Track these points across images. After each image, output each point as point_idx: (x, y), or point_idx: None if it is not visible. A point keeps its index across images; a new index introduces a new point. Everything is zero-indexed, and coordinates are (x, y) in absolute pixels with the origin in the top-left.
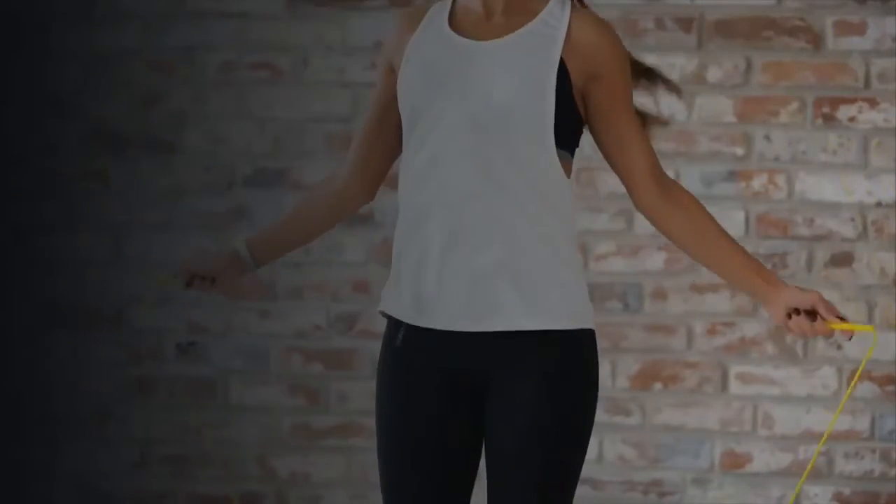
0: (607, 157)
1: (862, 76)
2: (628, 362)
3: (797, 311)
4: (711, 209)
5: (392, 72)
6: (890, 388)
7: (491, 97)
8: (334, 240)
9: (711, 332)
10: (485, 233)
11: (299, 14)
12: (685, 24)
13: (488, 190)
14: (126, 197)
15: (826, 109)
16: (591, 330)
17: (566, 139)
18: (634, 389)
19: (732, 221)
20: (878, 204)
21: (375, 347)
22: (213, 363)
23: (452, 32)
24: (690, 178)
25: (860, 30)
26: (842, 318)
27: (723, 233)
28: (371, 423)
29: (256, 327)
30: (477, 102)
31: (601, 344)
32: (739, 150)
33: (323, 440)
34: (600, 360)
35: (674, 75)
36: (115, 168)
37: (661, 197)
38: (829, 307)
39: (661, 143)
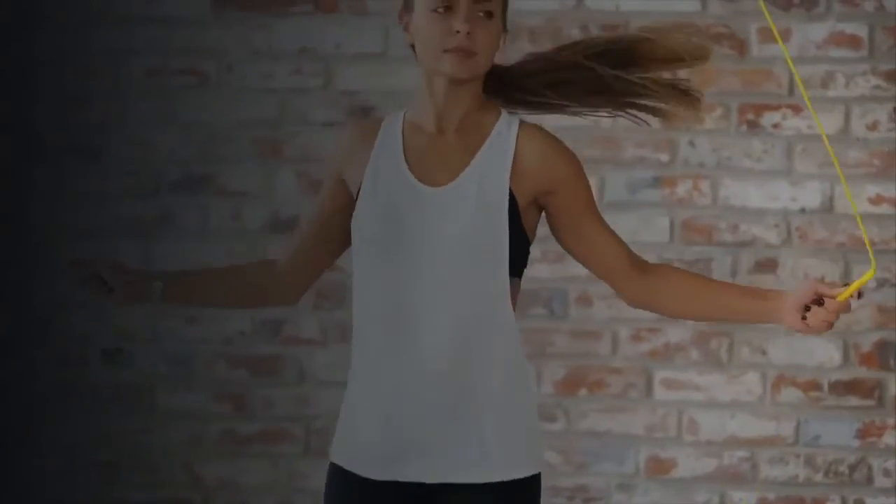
0: (582, 262)
1: (786, 83)
2: (553, 368)
3: (807, 308)
4: (636, 215)
5: (342, 183)
6: (814, 393)
7: (447, 246)
8: (259, 246)
9: (636, 337)
10: (439, 380)
11: (225, 19)
12: (610, 30)
13: (445, 339)
14: (51, 202)
15: (750, 116)
16: (537, 475)
17: (516, 265)
18: (559, 395)
19: (657, 227)
20: (802, 210)
21: (300, 353)
22: (139, 369)
23: (409, 173)
24: (615, 185)
25: (784, 36)
26: (845, 285)
27: (709, 283)
28: (296, 429)
29: (182, 333)
30: (433, 250)
31: (526, 349)
32: (664, 157)
33: (249, 446)
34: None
35: None
36: (40, 173)
37: (643, 284)
38: (830, 287)
39: (586, 149)
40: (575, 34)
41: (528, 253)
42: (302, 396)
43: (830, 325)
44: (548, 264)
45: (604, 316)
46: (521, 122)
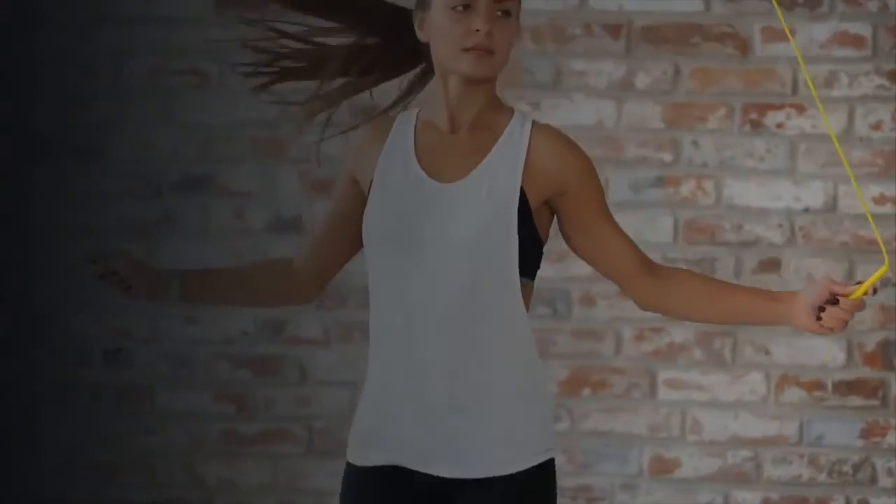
0: (592, 264)
1: (789, 82)
2: (557, 368)
3: (822, 308)
4: (639, 215)
5: (355, 183)
6: (818, 393)
7: (457, 245)
8: (262, 246)
9: (639, 337)
10: (451, 379)
11: (226, 19)
12: (613, 30)
13: (454, 336)
14: (51, 202)
15: (754, 115)
16: (552, 459)
17: (528, 266)
18: (563, 395)
19: (660, 227)
20: (806, 210)
21: (302, 353)
22: (140, 369)
23: (419, 170)
24: (619, 184)
25: (787, 36)
26: (858, 283)
27: (721, 286)
28: (298, 429)
29: (183, 333)
30: (443, 249)
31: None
32: (667, 156)
33: (250, 447)
34: None
35: (602, 82)
36: (40, 173)
37: (655, 287)
38: (844, 285)
39: (589, 149)
40: (578, 34)
41: (541, 254)
42: (304, 396)
43: (845, 324)
44: (550, 264)
45: (607, 316)
46: (534, 122)
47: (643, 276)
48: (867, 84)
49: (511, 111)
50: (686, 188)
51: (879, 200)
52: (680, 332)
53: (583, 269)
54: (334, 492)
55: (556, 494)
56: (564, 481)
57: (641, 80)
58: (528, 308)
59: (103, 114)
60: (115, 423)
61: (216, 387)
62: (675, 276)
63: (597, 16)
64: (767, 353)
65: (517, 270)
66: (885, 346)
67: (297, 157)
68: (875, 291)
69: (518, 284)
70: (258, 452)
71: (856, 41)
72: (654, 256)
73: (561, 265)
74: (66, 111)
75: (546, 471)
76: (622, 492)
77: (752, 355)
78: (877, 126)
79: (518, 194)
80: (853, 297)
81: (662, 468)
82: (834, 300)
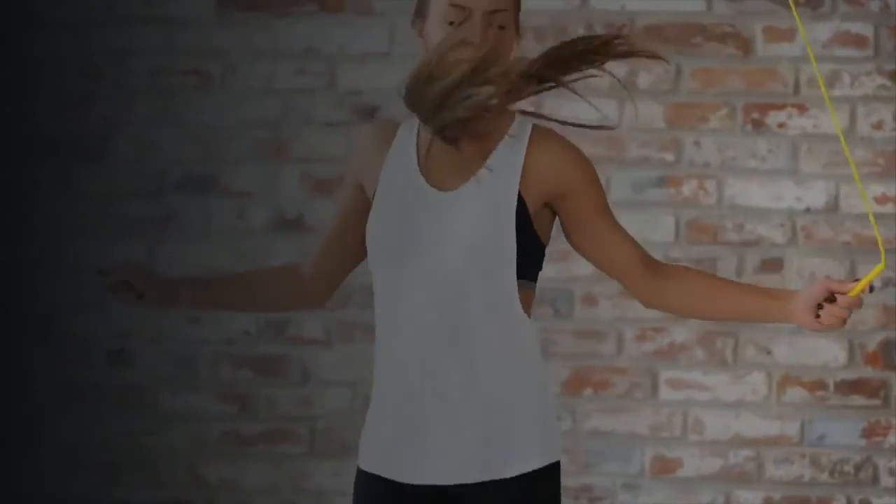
0: (594, 263)
1: (791, 82)
2: (558, 368)
3: (820, 306)
4: (641, 215)
5: (360, 189)
6: (819, 393)
7: (455, 249)
8: (264, 246)
9: (641, 337)
10: (445, 383)
11: (228, 20)
12: (615, 29)
13: (455, 341)
14: (54, 202)
15: (755, 115)
16: (557, 462)
17: (528, 269)
18: (565, 395)
19: (662, 227)
20: (808, 210)
21: (305, 353)
22: (143, 370)
23: (421, 179)
24: (620, 184)
25: (789, 36)
26: (856, 280)
27: (723, 283)
28: (300, 429)
29: (185, 334)
30: (440, 254)
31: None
32: (669, 156)
33: (252, 447)
34: None
35: (603, 81)
36: (43, 173)
37: (657, 284)
38: (841, 283)
39: (590, 149)
40: (580, 33)
41: (542, 257)
42: (306, 397)
43: (844, 322)
44: (552, 264)
45: (609, 316)
46: (534, 127)
47: (645, 273)
48: (869, 84)
49: (512, 115)
50: (688, 188)
51: (881, 200)
52: (681, 332)
53: (585, 268)
54: (336, 492)
55: (559, 498)
56: (566, 481)
57: (643, 80)
58: (530, 311)
59: (105, 114)
60: (116, 423)
61: (218, 387)
62: (676, 274)
63: (598, 15)
64: (769, 352)
65: (514, 275)
66: (886, 345)
67: (299, 158)
68: (872, 289)
69: (515, 289)
70: (260, 453)
71: (858, 41)
72: (657, 256)
73: (563, 265)
74: (66, 111)
75: (548, 474)
76: (624, 492)
77: (754, 355)
78: (878, 126)
79: (516, 199)
80: (850, 294)
81: (664, 468)
82: (832, 298)
